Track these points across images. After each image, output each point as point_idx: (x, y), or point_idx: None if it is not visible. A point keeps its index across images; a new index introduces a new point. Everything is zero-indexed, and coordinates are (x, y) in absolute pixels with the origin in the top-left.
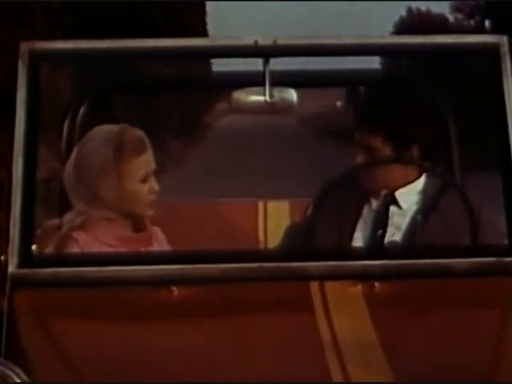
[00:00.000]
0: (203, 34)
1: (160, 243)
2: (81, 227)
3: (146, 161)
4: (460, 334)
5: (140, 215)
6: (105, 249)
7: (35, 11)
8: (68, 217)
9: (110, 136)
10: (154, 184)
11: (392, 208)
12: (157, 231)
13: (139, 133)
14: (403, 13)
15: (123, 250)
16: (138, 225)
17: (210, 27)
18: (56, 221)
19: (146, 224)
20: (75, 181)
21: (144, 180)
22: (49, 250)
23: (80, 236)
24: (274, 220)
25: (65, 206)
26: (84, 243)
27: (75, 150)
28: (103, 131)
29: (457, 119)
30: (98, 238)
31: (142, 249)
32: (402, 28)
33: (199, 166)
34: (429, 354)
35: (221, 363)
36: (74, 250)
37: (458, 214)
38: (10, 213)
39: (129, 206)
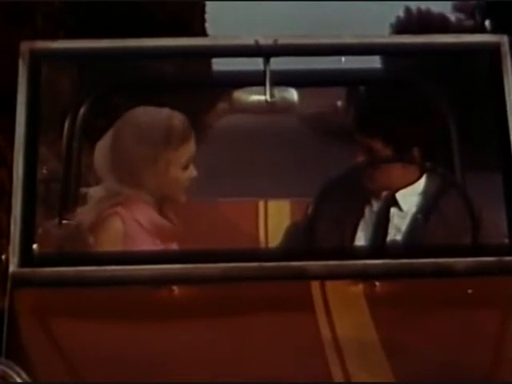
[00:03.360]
0: (202, 33)
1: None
2: (123, 204)
3: (191, 148)
4: (461, 333)
5: (175, 200)
6: (142, 233)
7: (36, 11)
8: (97, 192)
9: (158, 122)
10: (193, 170)
11: (393, 210)
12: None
13: (184, 118)
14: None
15: (155, 237)
16: (171, 216)
17: (209, 27)
18: (83, 190)
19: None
20: (112, 160)
21: (186, 166)
22: (87, 222)
23: (124, 213)
24: (275, 219)
25: (65, 206)
26: (127, 222)
27: (115, 129)
28: (149, 116)
29: (457, 119)
30: (138, 219)
31: (172, 243)
32: (400, 28)
33: (199, 165)
34: (429, 353)
35: (221, 363)
36: (117, 224)
37: (459, 214)
38: (11, 212)
39: (167, 192)
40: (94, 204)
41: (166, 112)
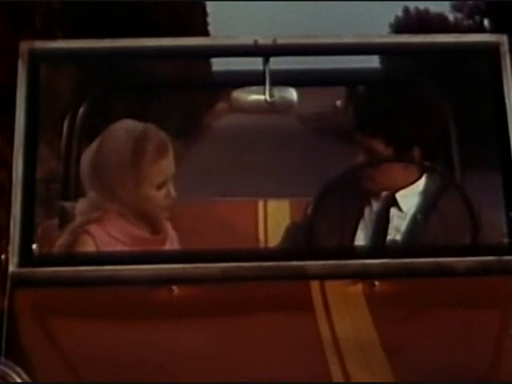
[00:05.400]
0: (204, 34)
1: (172, 244)
2: (97, 221)
3: (165, 167)
4: (460, 333)
5: (154, 217)
6: (118, 247)
7: (35, 11)
8: (81, 206)
9: (133, 136)
10: (171, 190)
11: (393, 210)
12: (172, 233)
13: (162, 136)
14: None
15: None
16: (154, 226)
17: (210, 27)
18: (69, 204)
19: (163, 226)
20: (93, 172)
21: (160, 186)
22: (61, 241)
23: (96, 231)
24: (274, 219)
25: (65, 206)
26: (99, 240)
27: (97, 140)
28: (127, 128)
29: (457, 119)
30: (112, 234)
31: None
32: (399, 29)
33: (199, 165)
34: (429, 353)
35: (221, 362)
36: (89, 243)
37: (459, 214)
38: (11, 212)
39: (143, 209)
40: (74, 220)
41: (144, 127)
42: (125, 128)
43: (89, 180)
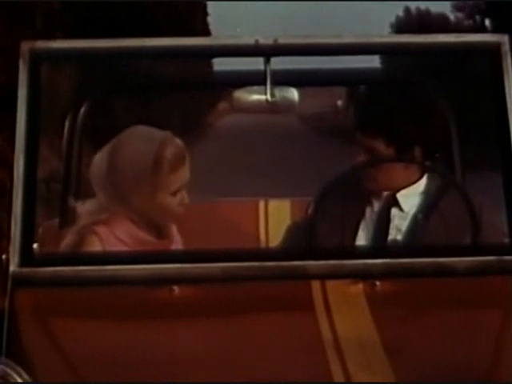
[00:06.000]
0: (205, 34)
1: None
2: (104, 222)
3: (183, 175)
4: (461, 333)
5: (163, 223)
6: (123, 248)
7: (35, 11)
8: (88, 206)
9: (152, 145)
10: (184, 196)
11: (393, 210)
12: (178, 237)
13: (180, 145)
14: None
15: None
16: (161, 230)
17: (211, 27)
18: (74, 204)
19: (169, 230)
20: (106, 176)
21: (175, 193)
22: (67, 240)
23: (103, 232)
24: (275, 219)
25: (65, 206)
26: (106, 241)
27: (111, 144)
28: (145, 135)
29: (457, 118)
30: (119, 236)
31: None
32: (400, 28)
33: (200, 165)
34: (429, 353)
35: (221, 362)
36: (95, 244)
37: (459, 214)
38: (12, 212)
39: (154, 215)
40: (80, 220)
41: (163, 136)
42: (142, 135)
43: (99, 183)
